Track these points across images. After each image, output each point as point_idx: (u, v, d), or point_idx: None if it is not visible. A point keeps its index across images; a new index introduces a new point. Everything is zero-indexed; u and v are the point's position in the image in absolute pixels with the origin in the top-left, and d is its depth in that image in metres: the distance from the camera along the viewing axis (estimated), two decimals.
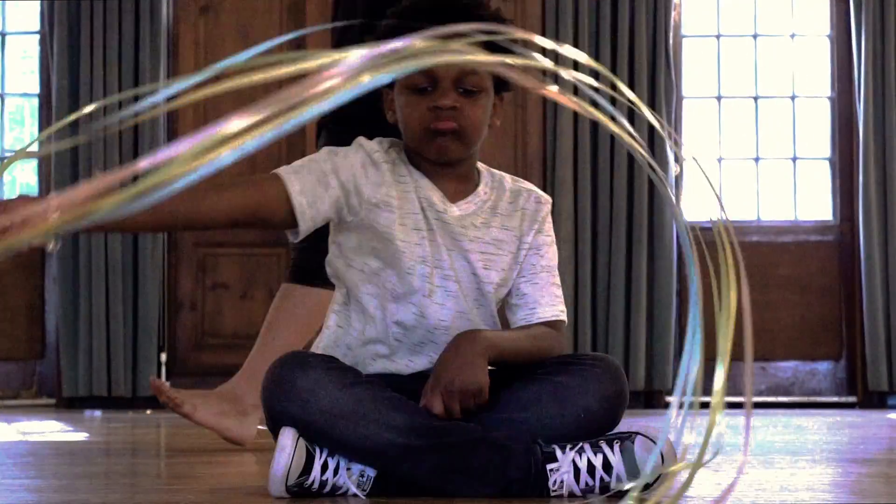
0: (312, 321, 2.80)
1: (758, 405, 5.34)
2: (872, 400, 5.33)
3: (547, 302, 2.00)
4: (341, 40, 2.75)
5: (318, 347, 2.00)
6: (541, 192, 2.07)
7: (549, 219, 2.06)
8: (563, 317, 2.03)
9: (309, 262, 2.78)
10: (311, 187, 1.90)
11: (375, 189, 1.93)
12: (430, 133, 1.90)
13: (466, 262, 1.96)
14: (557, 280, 2.05)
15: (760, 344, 5.43)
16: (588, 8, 5.34)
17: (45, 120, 5.39)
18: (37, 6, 5.40)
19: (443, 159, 1.93)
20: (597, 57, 5.36)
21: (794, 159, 5.61)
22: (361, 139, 1.98)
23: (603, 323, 5.28)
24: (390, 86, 1.97)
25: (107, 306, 5.09)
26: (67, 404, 5.11)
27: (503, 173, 2.07)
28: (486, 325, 1.98)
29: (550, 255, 2.05)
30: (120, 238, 5.05)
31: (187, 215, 1.87)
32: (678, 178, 5.46)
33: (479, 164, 2.04)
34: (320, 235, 2.31)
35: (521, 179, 2.08)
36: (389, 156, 1.98)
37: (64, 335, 5.13)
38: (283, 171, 1.91)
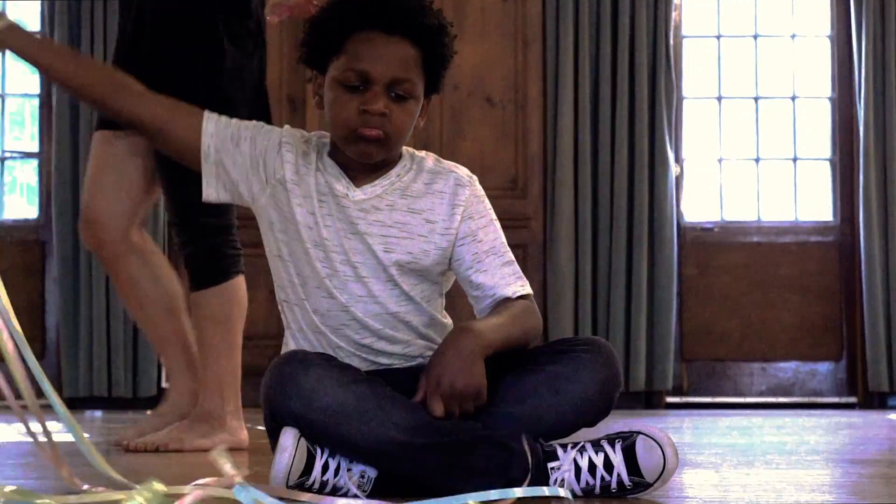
0: (232, 312, 2.86)
1: (758, 406, 5.34)
2: (873, 400, 5.33)
3: (503, 284, 1.98)
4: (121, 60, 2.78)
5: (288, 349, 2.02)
6: (463, 174, 2.03)
7: (479, 199, 2.02)
8: (527, 288, 2.01)
9: (198, 265, 2.84)
10: (222, 138, 1.97)
11: (280, 167, 1.97)
12: (356, 136, 1.91)
13: (365, 245, 1.96)
14: (508, 257, 2.01)
15: (761, 344, 5.43)
16: (588, 8, 5.34)
17: (45, 121, 5.37)
18: (37, 7, 5.39)
19: (365, 160, 1.95)
20: (597, 57, 5.36)
21: (795, 160, 5.61)
22: (286, 127, 2.03)
23: (603, 323, 5.27)
24: (320, 71, 1.98)
25: (107, 307, 5.07)
26: (68, 405, 4.95)
27: (429, 155, 2.05)
28: (398, 307, 1.97)
29: (490, 236, 2.01)
30: None
31: (104, 94, 2.00)
32: (678, 179, 5.46)
33: (407, 149, 2.04)
34: (201, 233, 2.36)
35: (451, 163, 2.05)
36: (307, 144, 2.01)
37: (64, 336, 5.12)
38: (208, 113, 1.99)
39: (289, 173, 1.97)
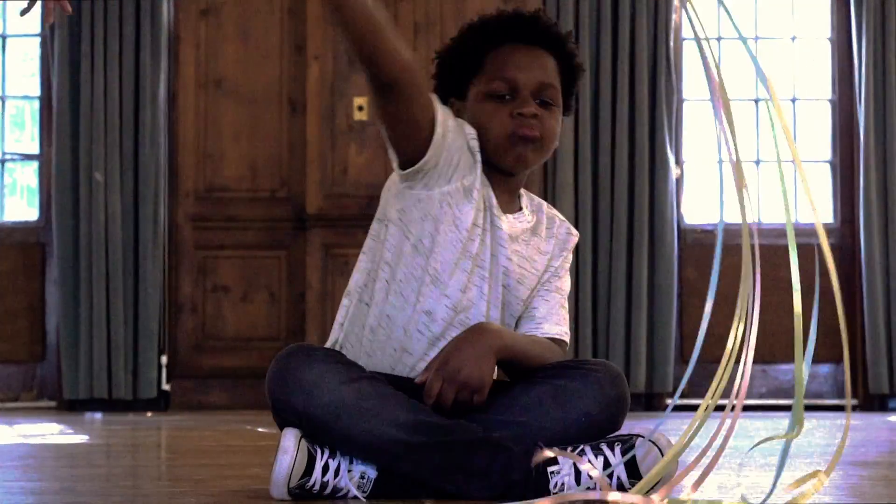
0: None
1: (758, 408, 5.34)
2: (873, 403, 5.33)
3: (554, 321, 2.03)
4: None
5: (338, 323, 2.00)
6: (571, 226, 2.13)
7: (572, 251, 2.11)
8: (566, 338, 2.06)
9: None
10: (444, 122, 1.90)
11: (471, 173, 1.94)
12: (514, 139, 1.94)
13: (505, 271, 1.97)
14: (566, 305, 2.08)
15: (760, 346, 5.42)
16: (589, 10, 5.34)
17: (45, 123, 5.38)
18: (37, 8, 5.35)
19: (519, 168, 1.97)
20: (597, 59, 5.36)
21: None
22: (460, 120, 1.97)
23: (604, 326, 5.27)
24: (459, 96, 2.00)
25: (107, 308, 5.07)
26: (68, 407, 5.11)
27: (540, 199, 2.13)
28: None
29: (566, 281, 2.08)
30: (121, 240, 5.06)
31: (382, 37, 1.80)
32: (678, 181, 5.46)
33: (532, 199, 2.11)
34: None
35: (553, 208, 2.14)
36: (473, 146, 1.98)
37: (64, 337, 5.10)
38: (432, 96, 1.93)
39: (477, 182, 1.95)
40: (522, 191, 2.08)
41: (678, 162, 5.48)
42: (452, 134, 1.91)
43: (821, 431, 3.80)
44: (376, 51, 1.79)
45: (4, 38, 5.48)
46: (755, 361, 6.05)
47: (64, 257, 5.10)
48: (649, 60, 5.36)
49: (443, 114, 1.90)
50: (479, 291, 1.95)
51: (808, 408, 5.31)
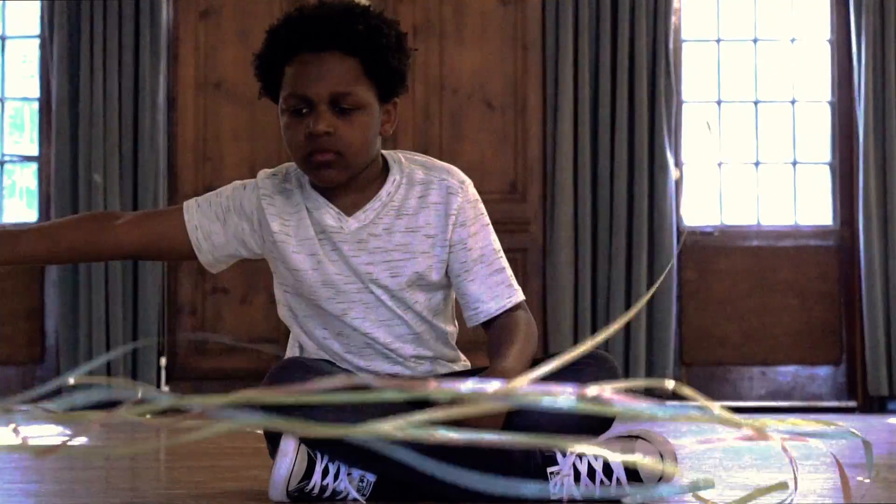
0: None
1: (758, 409, 5.33)
2: (872, 405, 5.32)
3: (488, 296, 1.95)
4: None
5: (296, 346, 2.04)
6: (454, 180, 1.97)
7: (472, 205, 1.97)
8: (514, 300, 1.96)
9: None
10: (207, 222, 1.95)
11: (267, 225, 1.95)
12: (310, 164, 1.89)
13: (370, 275, 1.94)
14: (497, 265, 1.96)
15: (760, 348, 5.43)
16: (588, 12, 5.34)
17: (44, 124, 5.38)
18: (37, 9, 5.38)
19: (329, 185, 1.92)
20: (597, 61, 5.36)
21: (795, 164, 5.61)
22: (261, 173, 2.00)
23: (603, 327, 5.26)
24: (276, 102, 1.96)
25: (106, 310, 5.07)
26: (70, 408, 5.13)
27: (417, 162, 2.00)
28: (418, 328, 1.97)
29: (480, 243, 1.96)
30: None
31: (88, 250, 1.94)
32: (678, 183, 5.45)
33: (392, 157, 1.99)
34: None
35: (438, 164, 2.00)
36: (286, 184, 1.97)
37: (63, 339, 5.10)
38: (188, 203, 1.97)
39: (276, 228, 1.95)
40: (395, 161, 1.98)
41: (677, 164, 5.48)
42: (234, 213, 1.97)
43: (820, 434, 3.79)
44: (102, 258, 2.02)
45: (4, 39, 5.46)
46: (754, 363, 5.99)
47: None
48: (649, 62, 5.36)
49: (198, 217, 1.96)
50: (363, 305, 1.95)
51: (808, 409, 5.31)
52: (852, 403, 5.38)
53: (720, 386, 5.42)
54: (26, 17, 5.44)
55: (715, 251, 5.48)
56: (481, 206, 2.00)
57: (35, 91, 5.41)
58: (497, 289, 1.96)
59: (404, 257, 1.95)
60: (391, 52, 1.92)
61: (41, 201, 5.33)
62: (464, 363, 2.05)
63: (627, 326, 5.25)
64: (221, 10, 5.23)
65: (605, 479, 1.81)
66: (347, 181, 1.92)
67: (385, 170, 1.99)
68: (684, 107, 5.58)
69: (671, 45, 5.40)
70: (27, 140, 5.45)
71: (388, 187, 1.96)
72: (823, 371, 5.45)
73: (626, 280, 5.27)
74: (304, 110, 1.89)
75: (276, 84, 1.94)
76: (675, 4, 5.48)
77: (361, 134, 1.89)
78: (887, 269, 5.31)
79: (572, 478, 1.81)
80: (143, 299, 5.10)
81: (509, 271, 1.98)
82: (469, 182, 2.00)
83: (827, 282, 5.46)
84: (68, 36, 5.17)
